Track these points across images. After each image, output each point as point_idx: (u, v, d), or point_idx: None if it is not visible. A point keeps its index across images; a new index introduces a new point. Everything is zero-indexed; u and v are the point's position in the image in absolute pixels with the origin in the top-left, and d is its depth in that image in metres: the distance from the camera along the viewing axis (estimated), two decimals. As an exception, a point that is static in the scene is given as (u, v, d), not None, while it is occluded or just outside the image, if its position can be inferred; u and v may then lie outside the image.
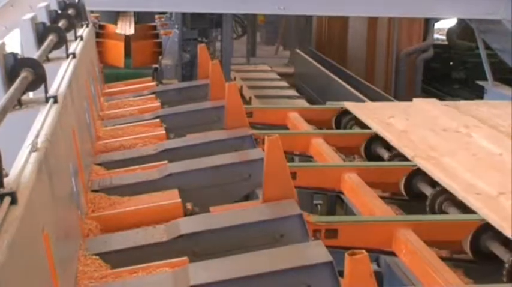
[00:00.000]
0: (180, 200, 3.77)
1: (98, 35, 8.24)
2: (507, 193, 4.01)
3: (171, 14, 11.17)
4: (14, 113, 2.93)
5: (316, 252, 2.93)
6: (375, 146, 5.36)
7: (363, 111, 5.96)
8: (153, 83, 7.31)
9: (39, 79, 3.18)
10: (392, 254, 3.72)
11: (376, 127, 5.47)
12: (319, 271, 2.81)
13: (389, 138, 5.22)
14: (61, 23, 5.00)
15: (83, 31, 5.74)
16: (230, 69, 12.15)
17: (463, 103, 6.67)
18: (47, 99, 3.25)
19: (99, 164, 4.57)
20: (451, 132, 5.41)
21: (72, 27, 5.25)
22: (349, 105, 6.16)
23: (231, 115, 4.95)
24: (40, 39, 4.45)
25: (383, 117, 5.76)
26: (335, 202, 7.36)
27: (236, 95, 4.96)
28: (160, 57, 9.49)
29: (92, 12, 8.32)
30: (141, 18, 11.94)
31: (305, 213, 3.49)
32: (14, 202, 2.04)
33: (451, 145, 5.04)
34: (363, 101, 9.62)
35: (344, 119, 6.03)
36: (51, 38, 4.37)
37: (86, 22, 6.25)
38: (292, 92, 11.89)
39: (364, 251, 2.51)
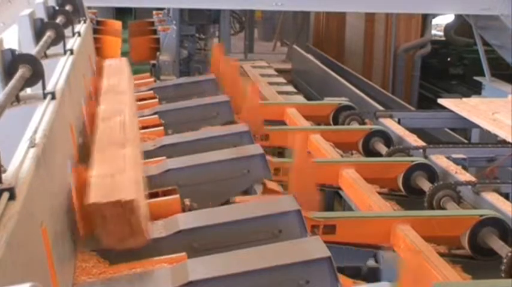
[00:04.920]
0: (178, 196, 3.76)
1: (95, 31, 8.23)
2: None
3: (168, 10, 11.16)
4: (12, 109, 2.92)
5: (315, 247, 2.92)
6: (373, 142, 5.36)
7: (463, 107, 5.94)
8: (151, 79, 7.30)
9: (37, 75, 3.18)
10: (391, 249, 3.73)
11: (484, 124, 5.47)
12: (317, 267, 2.81)
13: (504, 135, 5.22)
14: (59, 19, 4.99)
15: (80, 27, 5.74)
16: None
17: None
18: (45, 95, 3.24)
19: (97, 160, 4.57)
20: None
21: (70, 23, 5.24)
22: (444, 102, 6.16)
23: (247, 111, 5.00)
24: (38, 35, 4.44)
25: (486, 113, 5.75)
26: (333, 198, 7.36)
27: (256, 95, 4.99)
28: (158, 53, 9.49)
29: (89, 8, 8.31)
30: (139, 14, 11.94)
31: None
32: (12, 197, 2.03)
33: None
34: (360, 97, 9.63)
35: (342, 115, 6.03)
36: (49, 34, 4.36)
37: (84, 18, 6.23)
38: (290, 88, 11.88)
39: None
